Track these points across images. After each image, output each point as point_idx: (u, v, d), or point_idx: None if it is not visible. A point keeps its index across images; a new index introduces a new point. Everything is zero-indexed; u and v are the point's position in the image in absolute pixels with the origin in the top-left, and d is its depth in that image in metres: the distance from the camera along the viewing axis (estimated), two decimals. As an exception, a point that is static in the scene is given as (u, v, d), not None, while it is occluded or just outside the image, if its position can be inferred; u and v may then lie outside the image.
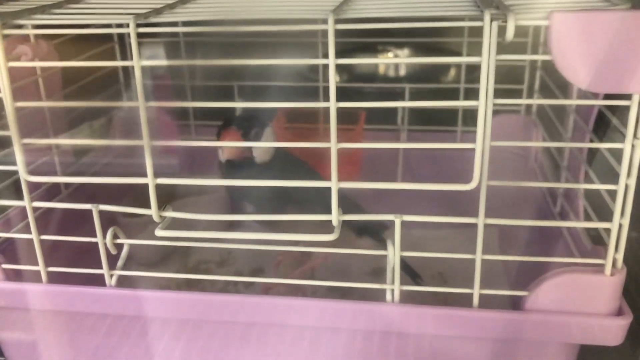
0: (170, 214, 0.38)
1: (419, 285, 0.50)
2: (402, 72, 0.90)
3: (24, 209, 0.42)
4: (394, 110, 0.66)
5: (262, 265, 0.57)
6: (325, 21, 0.32)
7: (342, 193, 0.48)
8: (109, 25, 0.52)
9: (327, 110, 0.34)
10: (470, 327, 0.37)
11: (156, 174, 0.36)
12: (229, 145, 0.43)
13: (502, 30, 0.32)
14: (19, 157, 0.37)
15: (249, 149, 0.43)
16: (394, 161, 0.66)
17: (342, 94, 0.33)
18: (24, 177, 0.38)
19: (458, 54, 0.78)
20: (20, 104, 0.37)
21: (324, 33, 0.61)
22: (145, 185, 0.36)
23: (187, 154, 0.64)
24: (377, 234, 0.49)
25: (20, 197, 0.39)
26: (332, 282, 0.39)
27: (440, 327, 0.38)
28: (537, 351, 0.39)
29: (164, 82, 0.69)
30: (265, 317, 0.39)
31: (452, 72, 0.86)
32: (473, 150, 0.68)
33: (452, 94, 0.72)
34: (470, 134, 0.66)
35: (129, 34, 0.33)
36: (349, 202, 0.47)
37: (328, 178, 0.35)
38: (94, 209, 0.38)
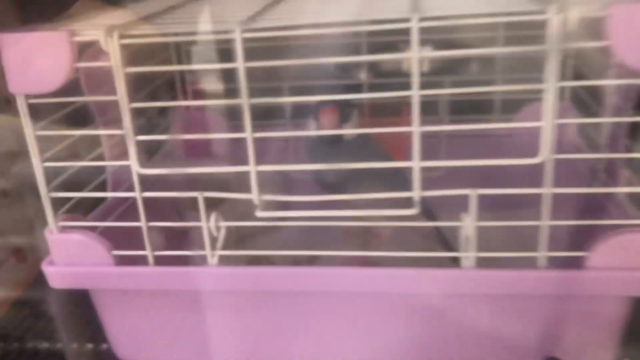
0: (269, 197, 0.43)
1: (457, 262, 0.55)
2: (425, 67, 0.95)
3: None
4: (431, 102, 0.71)
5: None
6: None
7: (403, 177, 0.53)
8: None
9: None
10: (540, 285, 0.42)
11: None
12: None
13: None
14: (132, 152, 0.42)
15: (342, 125, 0.48)
16: (435, 152, 0.71)
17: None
18: (137, 169, 0.43)
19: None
20: (135, 105, 0.41)
21: (369, 33, 0.66)
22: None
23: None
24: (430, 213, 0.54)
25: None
26: (412, 253, 0.44)
27: (514, 287, 0.42)
28: (595, 306, 0.44)
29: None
30: (368, 286, 0.45)
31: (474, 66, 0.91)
32: (508, 137, 0.73)
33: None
34: (507, 121, 0.71)
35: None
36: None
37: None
38: (200, 196, 0.43)
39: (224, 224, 0.45)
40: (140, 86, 0.61)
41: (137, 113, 0.41)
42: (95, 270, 0.46)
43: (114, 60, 0.40)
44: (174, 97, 0.73)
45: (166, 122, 0.72)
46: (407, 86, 0.40)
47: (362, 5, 0.44)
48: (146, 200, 0.56)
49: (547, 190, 0.41)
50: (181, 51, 0.70)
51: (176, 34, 0.41)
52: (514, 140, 0.72)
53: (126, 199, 0.53)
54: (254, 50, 0.39)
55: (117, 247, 0.46)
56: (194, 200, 0.44)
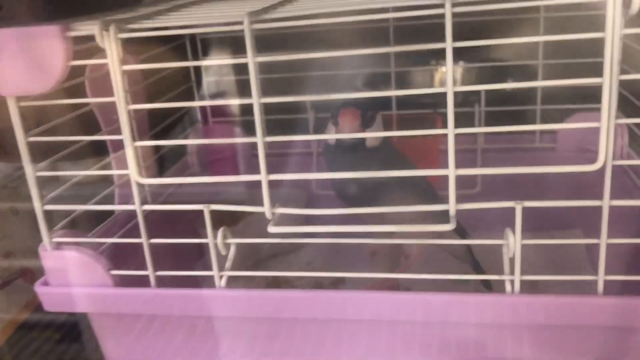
0: (282, 210, 0.38)
1: (488, 286, 0.49)
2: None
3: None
4: (466, 115, 0.66)
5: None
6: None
7: (434, 193, 0.48)
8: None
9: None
10: (595, 315, 0.36)
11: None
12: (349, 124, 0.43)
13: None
14: (131, 159, 0.38)
15: (364, 130, 0.44)
16: (471, 162, 0.65)
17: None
18: (136, 179, 0.38)
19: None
20: (133, 106, 0.37)
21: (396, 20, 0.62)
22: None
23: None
24: (462, 231, 0.48)
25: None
26: (450, 275, 0.38)
27: (564, 316, 0.36)
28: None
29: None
30: (386, 313, 0.39)
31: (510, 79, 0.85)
32: (549, 151, 0.68)
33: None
34: (546, 135, 0.65)
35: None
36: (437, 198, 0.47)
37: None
38: (205, 209, 0.38)
39: (233, 240, 0.40)
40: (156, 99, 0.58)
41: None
42: (92, 292, 0.42)
43: (111, 56, 0.36)
44: (190, 111, 0.70)
45: (184, 135, 0.69)
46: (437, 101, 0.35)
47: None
48: (158, 218, 0.52)
49: (606, 202, 0.35)
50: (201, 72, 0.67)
51: (179, 27, 0.36)
52: (556, 156, 0.67)
53: (135, 215, 0.49)
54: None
55: (122, 267, 0.42)
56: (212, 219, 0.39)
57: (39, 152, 0.43)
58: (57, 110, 0.47)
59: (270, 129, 0.69)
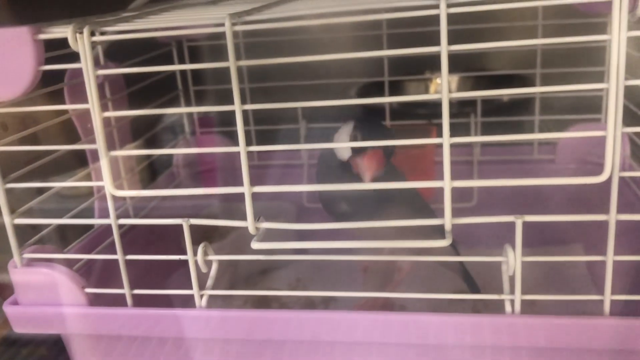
0: (266, 224, 0.35)
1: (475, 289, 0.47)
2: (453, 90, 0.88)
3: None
4: (463, 124, 0.64)
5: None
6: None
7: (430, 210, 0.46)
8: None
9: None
10: (601, 337, 0.34)
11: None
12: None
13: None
14: (105, 170, 0.35)
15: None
16: (468, 175, 0.63)
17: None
18: (111, 191, 0.36)
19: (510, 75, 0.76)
20: (107, 114, 0.35)
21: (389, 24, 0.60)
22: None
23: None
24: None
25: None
26: (444, 295, 0.36)
27: (568, 338, 0.34)
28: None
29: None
30: (377, 335, 0.36)
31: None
32: (548, 163, 0.66)
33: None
34: (544, 146, 0.64)
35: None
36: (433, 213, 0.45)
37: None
38: (185, 223, 0.36)
39: (214, 257, 0.37)
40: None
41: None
42: (63, 312, 0.39)
43: (84, 60, 0.34)
44: (179, 120, 0.67)
45: (171, 146, 0.66)
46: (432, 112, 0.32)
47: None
48: (145, 232, 0.50)
49: (612, 216, 0.32)
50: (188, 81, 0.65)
51: (157, 30, 0.34)
52: (555, 168, 0.65)
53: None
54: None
55: (108, 285, 0.39)
56: (197, 235, 0.36)
57: (24, 163, 0.41)
58: (44, 118, 0.44)
59: (261, 140, 0.68)
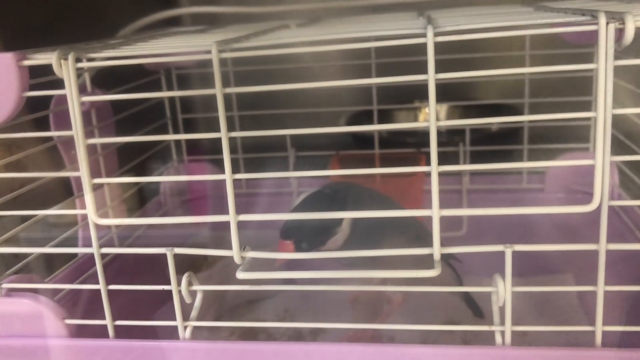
0: (252, 254, 0.34)
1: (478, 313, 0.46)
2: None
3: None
4: (452, 153, 0.64)
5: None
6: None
7: (424, 229, 0.45)
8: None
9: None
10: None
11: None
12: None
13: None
14: (89, 198, 0.35)
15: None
16: (457, 203, 0.63)
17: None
18: (94, 220, 0.35)
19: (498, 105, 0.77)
20: (91, 141, 0.34)
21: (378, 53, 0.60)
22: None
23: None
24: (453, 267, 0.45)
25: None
26: (439, 326, 0.35)
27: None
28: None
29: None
30: None
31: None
32: (537, 192, 0.66)
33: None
34: (533, 175, 0.64)
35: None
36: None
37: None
38: (169, 252, 0.35)
39: (198, 287, 0.36)
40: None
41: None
42: (44, 344, 0.38)
43: (68, 87, 0.33)
44: (168, 147, 0.67)
45: (158, 174, 0.66)
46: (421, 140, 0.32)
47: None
48: (132, 261, 0.49)
49: (602, 245, 0.32)
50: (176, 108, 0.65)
51: (142, 57, 0.34)
52: (544, 197, 0.65)
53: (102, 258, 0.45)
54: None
55: (94, 316, 0.38)
56: (185, 265, 0.35)
57: (9, 190, 0.41)
58: (29, 145, 0.44)
59: (250, 168, 0.67)
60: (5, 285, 0.38)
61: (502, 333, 0.34)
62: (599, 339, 0.33)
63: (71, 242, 0.48)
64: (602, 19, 0.29)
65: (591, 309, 0.34)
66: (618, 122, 0.32)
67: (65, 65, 0.33)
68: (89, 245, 0.37)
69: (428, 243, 0.33)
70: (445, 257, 0.44)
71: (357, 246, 0.37)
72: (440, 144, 0.31)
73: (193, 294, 0.37)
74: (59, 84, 0.35)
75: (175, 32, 0.48)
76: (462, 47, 0.31)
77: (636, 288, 0.34)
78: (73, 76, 0.33)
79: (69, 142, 0.44)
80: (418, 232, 0.43)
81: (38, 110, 0.42)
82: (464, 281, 0.47)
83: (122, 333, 0.38)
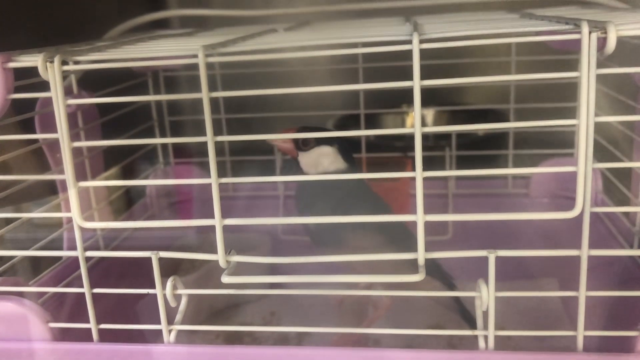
0: (237, 258, 0.34)
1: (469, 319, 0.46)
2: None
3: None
4: (438, 158, 0.64)
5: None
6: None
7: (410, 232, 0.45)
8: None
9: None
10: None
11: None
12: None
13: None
14: (73, 201, 0.35)
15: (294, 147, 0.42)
16: (443, 208, 0.63)
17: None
18: (79, 223, 0.35)
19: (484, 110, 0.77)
20: (77, 144, 0.34)
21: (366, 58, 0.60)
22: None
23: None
24: (447, 278, 0.45)
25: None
26: (423, 331, 0.35)
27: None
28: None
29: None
30: None
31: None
32: (522, 197, 0.66)
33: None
34: (519, 180, 0.64)
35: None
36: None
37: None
38: (154, 256, 0.35)
39: (183, 291, 0.36)
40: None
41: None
42: (27, 347, 0.38)
43: (54, 89, 0.33)
44: (154, 150, 0.67)
45: (144, 177, 0.65)
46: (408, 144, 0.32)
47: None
48: (117, 264, 0.49)
49: (584, 251, 0.32)
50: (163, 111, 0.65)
51: (128, 60, 0.34)
52: (529, 202, 0.65)
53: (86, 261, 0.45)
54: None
55: (73, 317, 0.38)
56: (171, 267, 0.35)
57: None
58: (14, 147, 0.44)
59: (238, 171, 0.67)
60: (-13, 289, 0.38)
61: (486, 337, 0.34)
62: (580, 343, 0.34)
63: (57, 243, 0.47)
64: (585, 28, 0.29)
65: (574, 313, 0.34)
66: (602, 129, 0.32)
67: (51, 68, 0.33)
68: (75, 247, 0.37)
69: (411, 242, 0.33)
70: (435, 268, 0.44)
71: (343, 238, 0.37)
72: (426, 148, 0.31)
73: (178, 298, 0.37)
74: (44, 85, 0.35)
75: (163, 35, 0.48)
76: (448, 52, 0.32)
77: (618, 293, 0.35)
78: (59, 79, 0.33)
79: (55, 145, 0.44)
80: (402, 234, 0.44)
81: (23, 112, 0.42)
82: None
83: (108, 336, 0.38)
